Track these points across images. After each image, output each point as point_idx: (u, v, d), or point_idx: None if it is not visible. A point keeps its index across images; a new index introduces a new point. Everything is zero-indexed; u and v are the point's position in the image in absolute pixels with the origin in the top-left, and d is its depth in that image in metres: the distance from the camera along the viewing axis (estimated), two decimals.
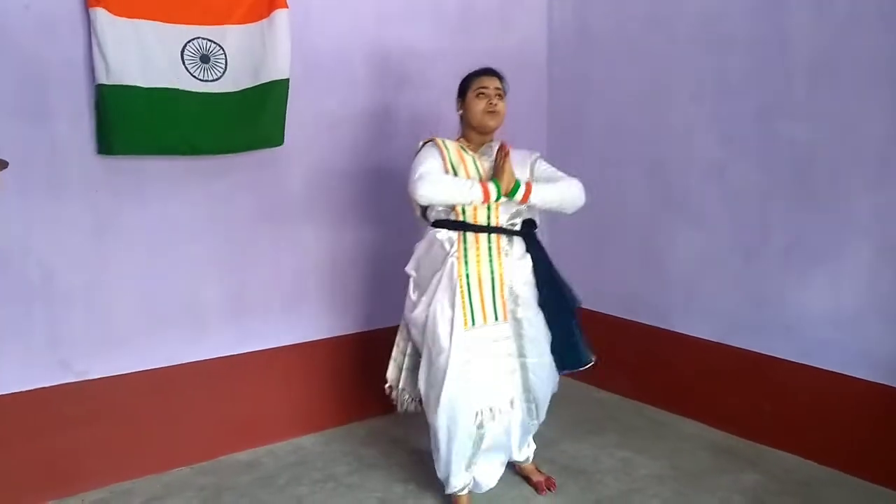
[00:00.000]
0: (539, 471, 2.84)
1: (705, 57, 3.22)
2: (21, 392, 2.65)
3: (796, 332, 2.97)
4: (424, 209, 2.58)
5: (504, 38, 3.79)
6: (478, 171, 2.53)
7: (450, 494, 2.60)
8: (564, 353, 2.64)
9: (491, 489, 2.64)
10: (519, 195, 2.45)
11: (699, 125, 3.28)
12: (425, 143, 2.61)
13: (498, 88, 2.58)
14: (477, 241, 2.48)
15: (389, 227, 3.40)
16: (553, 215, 2.70)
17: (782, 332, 3.02)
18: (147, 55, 2.69)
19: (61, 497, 2.74)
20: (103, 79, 2.63)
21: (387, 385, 2.78)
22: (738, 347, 3.18)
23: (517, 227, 2.56)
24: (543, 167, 2.65)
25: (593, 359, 2.67)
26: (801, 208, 2.92)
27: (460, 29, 3.62)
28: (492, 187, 2.42)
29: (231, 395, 3.10)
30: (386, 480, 2.87)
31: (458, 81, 2.66)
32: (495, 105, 2.55)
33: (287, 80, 2.92)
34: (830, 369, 2.86)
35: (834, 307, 2.84)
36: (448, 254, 2.48)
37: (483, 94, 2.56)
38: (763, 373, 3.08)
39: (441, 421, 2.49)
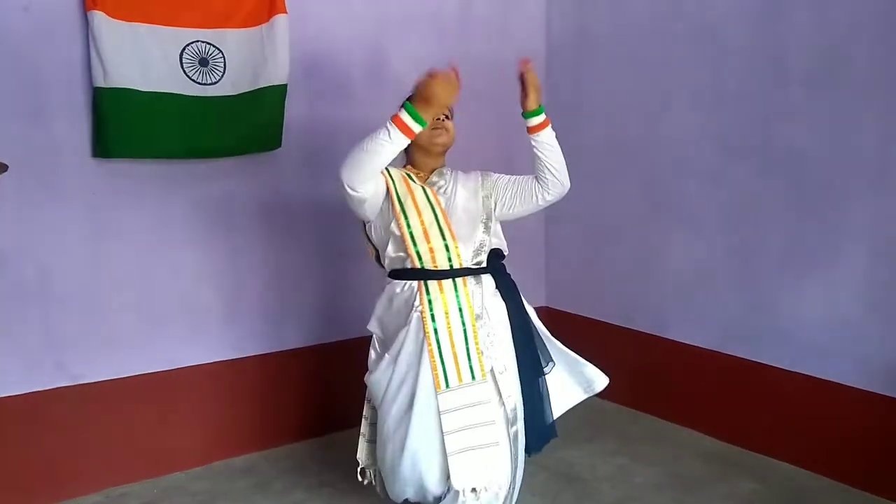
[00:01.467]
0: None
1: (703, 64, 3.23)
2: (17, 395, 2.64)
3: (792, 341, 2.97)
4: (377, 253, 2.33)
5: (503, 45, 3.79)
6: (429, 201, 2.22)
7: None
8: (535, 427, 2.30)
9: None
10: None
11: (696, 132, 3.28)
12: None
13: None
14: (441, 291, 2.18)
15: None
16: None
17: (778, 341, 3.02)
18: (145, 59, 2.69)
19: (56, 501, 2.72)
20: (101, 82, 2.63)
21: (359, 468, 2.45)
22: (734, 356, 3.18)
23: (483, 265, 2.27)
24: (496, 176, 2.40)
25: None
26: (798, 215, 2.93)
27: (459, 36, 3.62)
28: (403, 114, 2.07)
29: (227, 400, 3.10)
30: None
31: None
32: (443, 122, 2.29)
33: (285, 84, 2.94)
34: (826, 378, 2.86)
35: (830, 315, 2.85)
36: (412, 308, 2.19)
37: None
38: (759, 381, 3.08)
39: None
